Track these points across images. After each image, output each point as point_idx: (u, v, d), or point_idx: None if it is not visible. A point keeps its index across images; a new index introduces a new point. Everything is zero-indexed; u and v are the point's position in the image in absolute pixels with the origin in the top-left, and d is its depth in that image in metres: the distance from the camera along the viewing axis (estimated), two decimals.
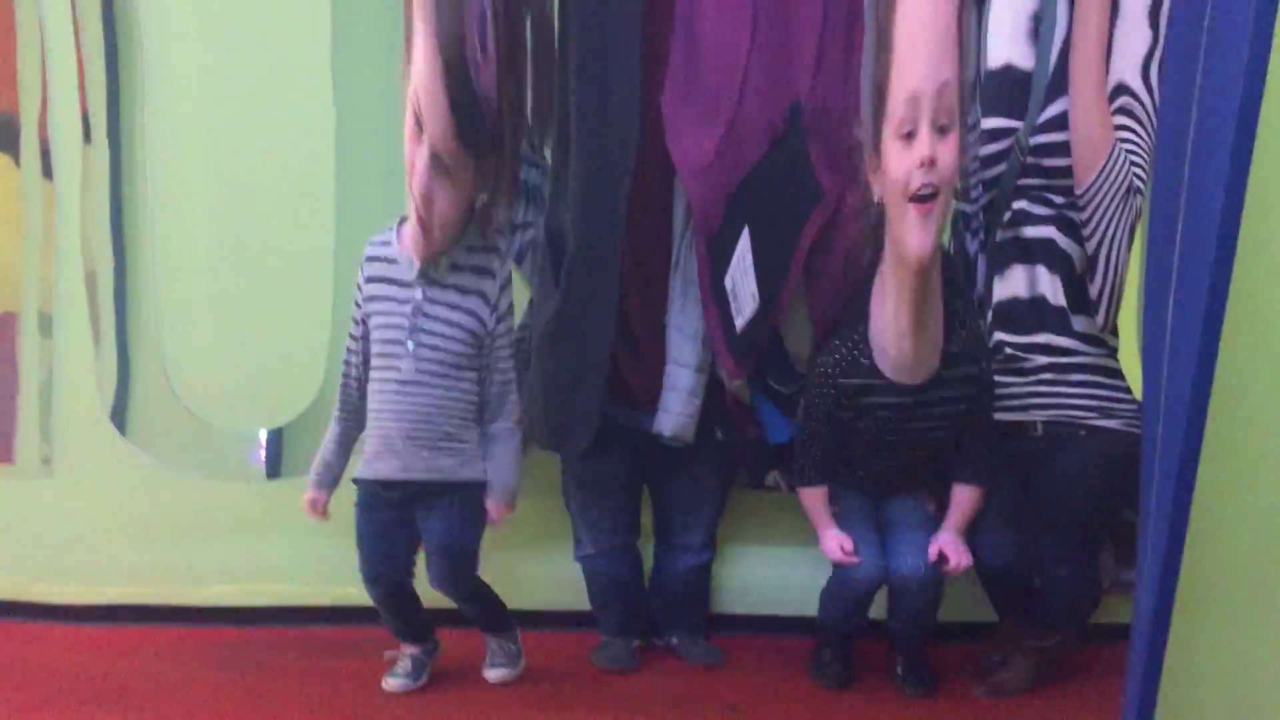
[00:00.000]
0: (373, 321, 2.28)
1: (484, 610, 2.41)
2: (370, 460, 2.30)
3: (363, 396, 2.32)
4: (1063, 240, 2.30)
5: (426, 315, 2.25)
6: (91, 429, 2.73)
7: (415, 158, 2.14)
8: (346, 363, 2.34)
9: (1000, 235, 2.35)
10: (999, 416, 2.30)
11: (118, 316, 2.74)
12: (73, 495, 2.75)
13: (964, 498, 2.29)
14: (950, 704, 2.30)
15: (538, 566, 2.71)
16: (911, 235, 2.03)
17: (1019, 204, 2.33)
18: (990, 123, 2.34)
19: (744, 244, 2.29)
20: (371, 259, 2.29)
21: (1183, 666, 1.56)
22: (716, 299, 2.34)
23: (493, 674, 2.40)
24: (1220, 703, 1.60)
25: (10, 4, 2.70)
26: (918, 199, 2.00)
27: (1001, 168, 2.34)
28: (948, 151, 2.02)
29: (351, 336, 2.34)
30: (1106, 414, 2.26)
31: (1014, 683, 2.35)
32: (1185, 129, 1.42)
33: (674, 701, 2.32)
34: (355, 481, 2.33)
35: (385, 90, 2.40)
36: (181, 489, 2.72)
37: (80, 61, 2.68)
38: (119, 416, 2.74)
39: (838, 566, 2.31)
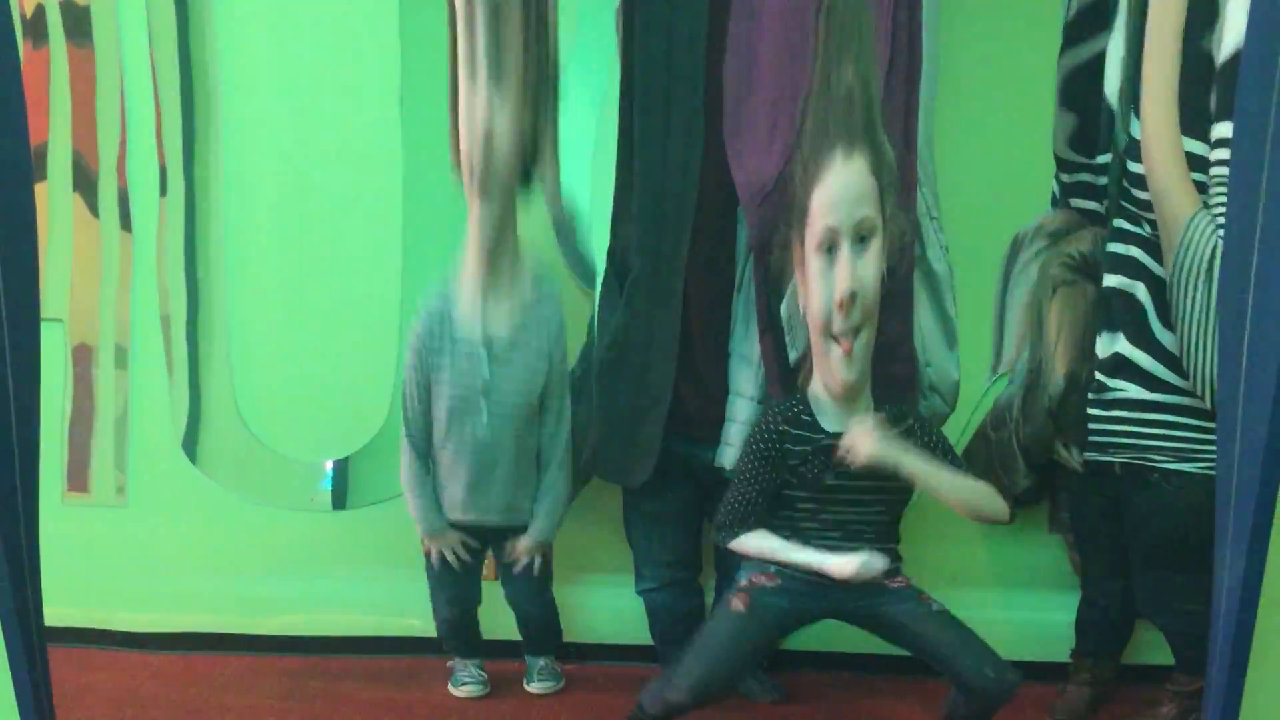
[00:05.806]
0: (440, 386, 2.38)
1: (547, 627, 2.54)
2: (451, 508, 2.45)
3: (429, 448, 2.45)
4: (1150, 261, 2.18)
5: (496, 383, 2.36)
6: (164, 459, 2.78)
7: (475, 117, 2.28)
8: (408, 422, 2.44)
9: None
10: (1088, 455, 2.26)
11: (190, 349, 2.80)
12: (145, 524, 2.80)
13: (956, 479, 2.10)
14: None
15: (600, 599, 2.71)
16: (834, 375, 2.05)
17: (1118, 221, 2.25)
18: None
19: None
20: (430, 314, 2.38)
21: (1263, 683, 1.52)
22: (773, 328, 2.33)
23: (535, 686, 2.52)
24: None
25: (91, 54, 2.80)
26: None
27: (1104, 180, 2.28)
28: (869, 270, 1.99)
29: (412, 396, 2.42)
30: (1185, 457, 2.15)
31: None
32: (1260, 158, 1.40)
33: None
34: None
35: None
36: (250, 519, 2.76)
37: (158, 110, 2.77)
38: (190, 447, 2.79)
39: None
